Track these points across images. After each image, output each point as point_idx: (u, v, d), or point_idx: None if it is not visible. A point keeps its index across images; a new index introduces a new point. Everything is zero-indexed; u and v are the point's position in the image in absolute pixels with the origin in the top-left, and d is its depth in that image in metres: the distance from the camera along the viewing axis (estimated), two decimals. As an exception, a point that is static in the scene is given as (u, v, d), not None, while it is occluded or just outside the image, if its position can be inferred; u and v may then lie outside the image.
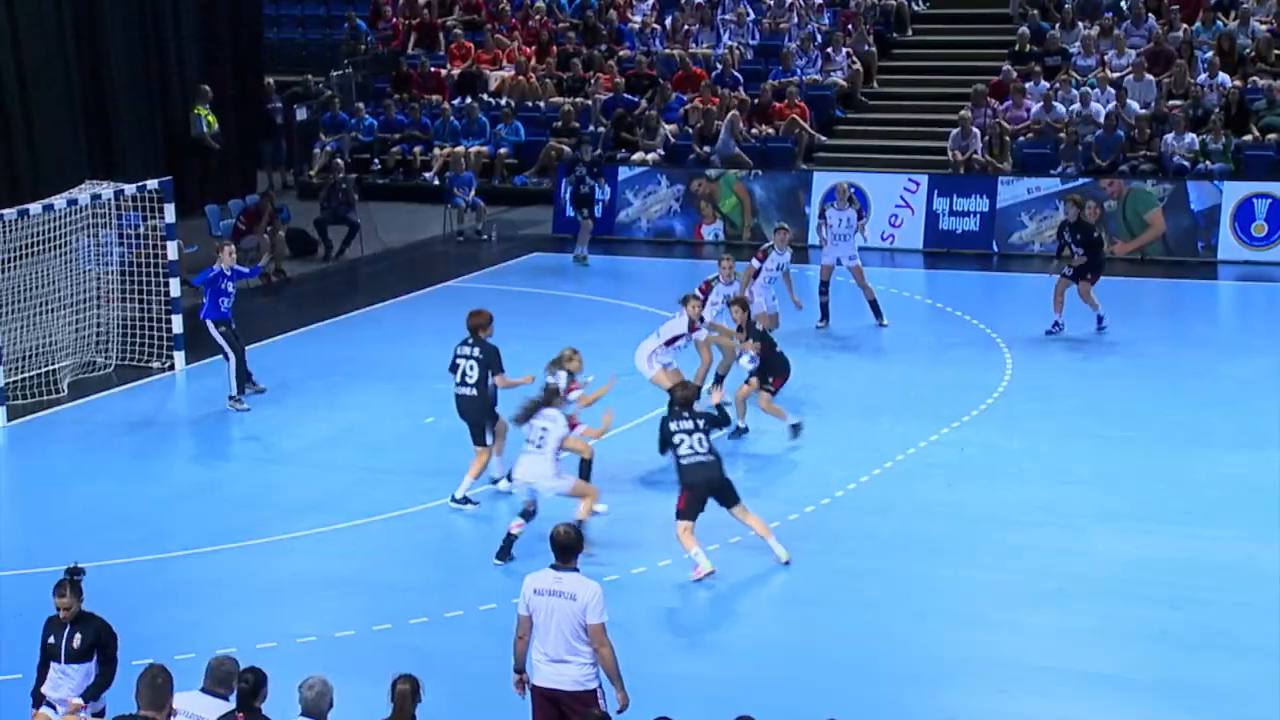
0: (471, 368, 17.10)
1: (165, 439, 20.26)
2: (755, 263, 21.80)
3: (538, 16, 37.39)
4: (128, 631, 14.20)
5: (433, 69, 36.53)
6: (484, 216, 31.59)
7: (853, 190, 25.28)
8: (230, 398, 20.68)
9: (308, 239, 30.26)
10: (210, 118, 31.74)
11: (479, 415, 17.20)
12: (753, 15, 36.00)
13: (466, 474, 17.17)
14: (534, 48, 36.87)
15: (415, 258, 30.29)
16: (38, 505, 18.26)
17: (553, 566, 11.04)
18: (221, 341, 20.77)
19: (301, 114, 35.80)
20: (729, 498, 15.44)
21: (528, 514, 15.73)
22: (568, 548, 11.02)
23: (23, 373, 21.59)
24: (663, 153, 32.09)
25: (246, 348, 21.28)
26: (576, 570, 11.03)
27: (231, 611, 14.97)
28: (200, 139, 31.67)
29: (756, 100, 32.84)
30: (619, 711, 10.93)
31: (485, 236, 31.27)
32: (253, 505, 17.65)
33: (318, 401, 21.25)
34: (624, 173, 31.30)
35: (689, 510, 15.24)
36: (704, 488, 15.27)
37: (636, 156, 32.14)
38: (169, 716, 9.86)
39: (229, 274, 20.89)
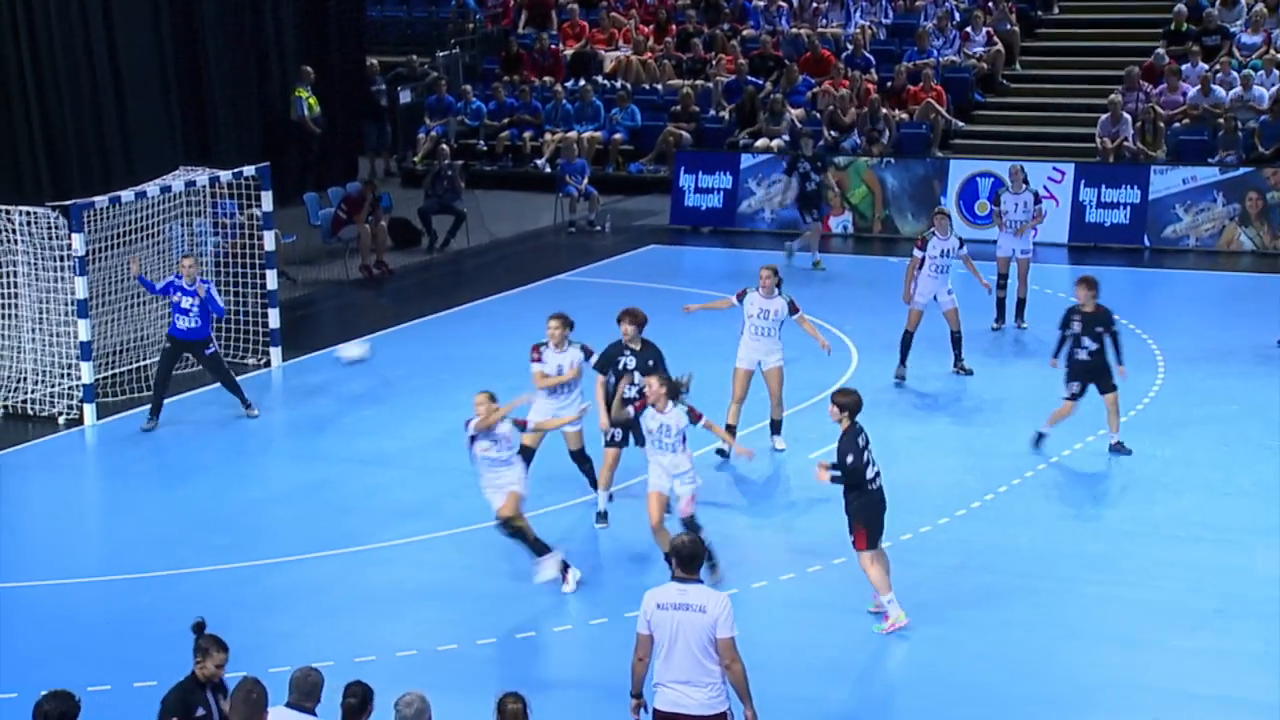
0: None
1: (261, 439, 20.44)
2: (916, 252, 21.47)
3: (656, -7, 37.46)
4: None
5: (555, 49, 36.56)
6: (597, 206, 31.64)
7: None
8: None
9: (411, 229, 30.46)
10: (311, 100, 32.00)
11: None
12: (886, -8, 35.86)
13: None
14: (652, 26, 36.91)
15: (525, 249, 30.40)
16: (128, 507, 18.49)
17: (675, 579, 10.84)
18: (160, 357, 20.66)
19: (405, 97, 36.05)
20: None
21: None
22: (693, 558, 10.83)
23: (113, 368, 21.87)
24: (788, 139, 31.97)
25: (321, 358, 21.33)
26: (701, 582, 10.89)
27: (328, 621, 15.06)
28: (301, 123, 31.94)
29: (890, 83, 32.64)
30: (749, 732, 10.85)
31: (599, 227, 31.32)
32: (353, 510, 17.76)
33: (422, 401, 21.35)
34: (746, 160, 31.23)
35: (874, 540, 14.46)
36: (882, 518, 14.52)
37: (760, 143, 32.05)
38: (263, 732, 9.90)
39: (188, 288, 20.22)
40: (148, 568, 16.30)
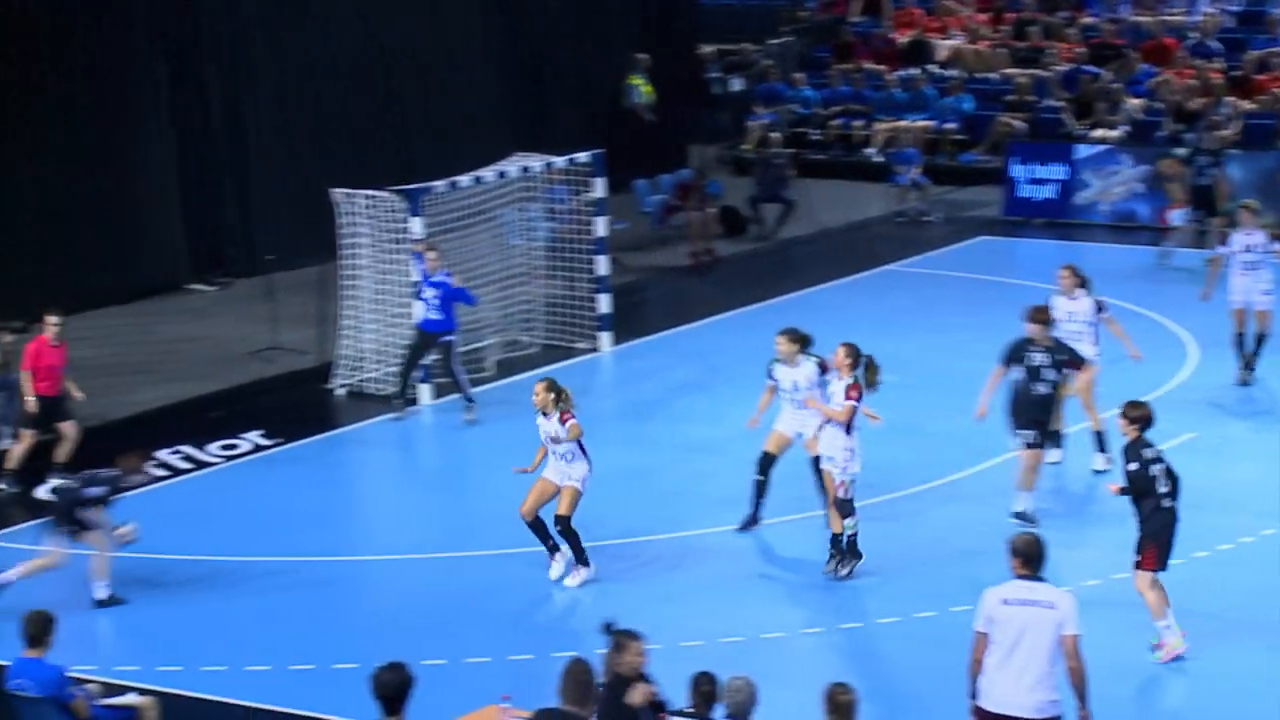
0: None
1: (591, 422, 20.64)
2: (1219, 249, 21.14)
3: (993, -20, 37.01)
4: (548, 622, 14.78)
5: (888, 36, 36.42)
6: (928, 196, 31.44)
7: None
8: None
9: (739, 217, 30.62)
10: (646, 88, 32.41)
11: None
12: (1234, -22, 34.92)
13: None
14: (988, 14, 36.50)
15: (853, 239, 30.31)
16: (456, 486, 19.04)
17: (1020, 577, 10.86)
18: None
19: (736, 84, 36.25)
20: None
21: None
22: (1038, 556, 10.87)
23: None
24: (1128, 129, 31.34)
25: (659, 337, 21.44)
26: (1045, 580, 10.87)
27: (654, 606, 15.25)
28: (634, 110, 32.35)
29: (1238, 72, 31.78)
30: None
31: (929, 218, 31.11)
32: (680, 495, 17.99)
33: (747, 390, 21.21)
34: (1083, 151, 30.71)
35: (1161, 563, 13.99)
36: (1172, 539, 14.05)
37: (1097, 133, 31.48)
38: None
39: (432, 279, 20.46)
40: (476, 546, 16.77)
